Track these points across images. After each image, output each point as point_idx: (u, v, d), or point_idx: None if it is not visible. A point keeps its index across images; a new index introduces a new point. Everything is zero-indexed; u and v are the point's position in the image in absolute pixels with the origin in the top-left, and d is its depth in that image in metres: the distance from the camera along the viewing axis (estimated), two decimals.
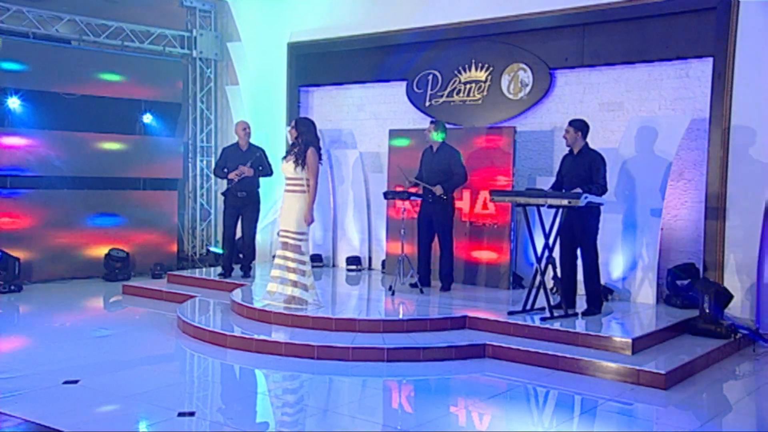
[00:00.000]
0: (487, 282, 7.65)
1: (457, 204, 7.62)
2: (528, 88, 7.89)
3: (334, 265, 9.21)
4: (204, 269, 9.17)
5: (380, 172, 9.03)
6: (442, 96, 8.52)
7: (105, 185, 9.64)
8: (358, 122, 9.44)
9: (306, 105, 9.86)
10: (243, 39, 10.21)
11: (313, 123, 6.39)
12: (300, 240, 6.30)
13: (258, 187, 8.09)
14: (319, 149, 6.31)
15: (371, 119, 9.32)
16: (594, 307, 6.26)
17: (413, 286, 7.30)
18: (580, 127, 6.28)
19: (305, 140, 6.27)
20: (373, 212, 9.04)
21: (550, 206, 6.02)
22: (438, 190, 7.14)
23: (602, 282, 6.57)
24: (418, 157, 7.54)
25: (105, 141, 9.60)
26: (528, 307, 6.23)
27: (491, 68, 8.14)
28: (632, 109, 7.28)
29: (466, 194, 7.80)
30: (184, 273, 8.62)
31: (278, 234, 6.58)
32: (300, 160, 6.22)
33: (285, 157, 6.35)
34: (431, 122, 7.46)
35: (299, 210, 6.24)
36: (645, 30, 7.15)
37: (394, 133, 8.56)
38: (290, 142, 6.44)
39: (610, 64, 7.39)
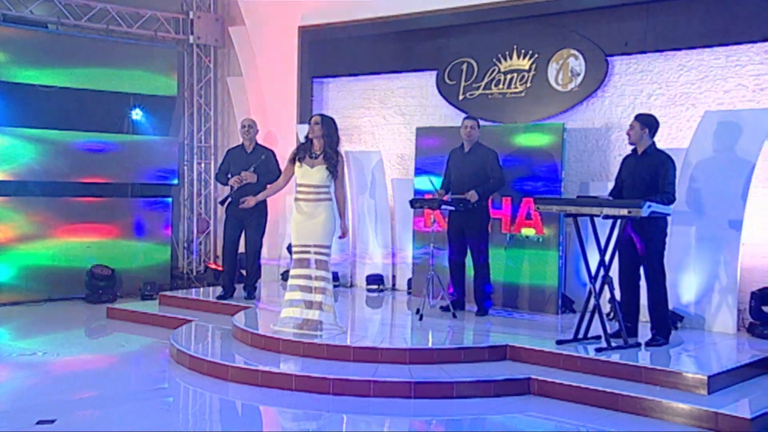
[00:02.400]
0: (532, 305, 7.64)
1: (495, 213, 7.65)
2: (580, 78, 7.90)
3: (352, 285, 9.25)
4: (202, 289, 9.25)
5: (406, 176, 9.09)
6: (478, 88, 8.55)
7: (87, 192, 9.76)
8: (381, 119, 9.50)
9: (320, 99, 9.92)
10: (247, 22, 10.29)
11: (335, 121, 6.50)
12: (327, 254, 6.37)
13: None
14: None
15: (395, 115, 9.38)
16: (660, 337, 6.20)
17: (444, 309, 7.32)
18: (647, 122, 6.23)
19: (332, 141, 6.35)
20: (398, 223, 9.05)
21: (607, 216, 5.98)
22: (472, 196, 7.14)
23: (670, 307, 6.50)
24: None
25: (87, 141, 9.70)
26: (580, 335, 6.20)
27: (536, 55, 8.15)
28: (706, 101, 7.23)
29: (506, 202, 7.80)
30: (179, 294, 8.67)
31: (289, 249, 6.56)
32: (334, 167, 6.30)
33: (301, 159, 6.37)
34: (466, 118, 7.48)
35: (326, 221, 6.32)
36: (723, 6, 7.07)
37: (422, 132, 8.57)
38: (305, 140, 6.49)
39: (678, 48, 7.36)
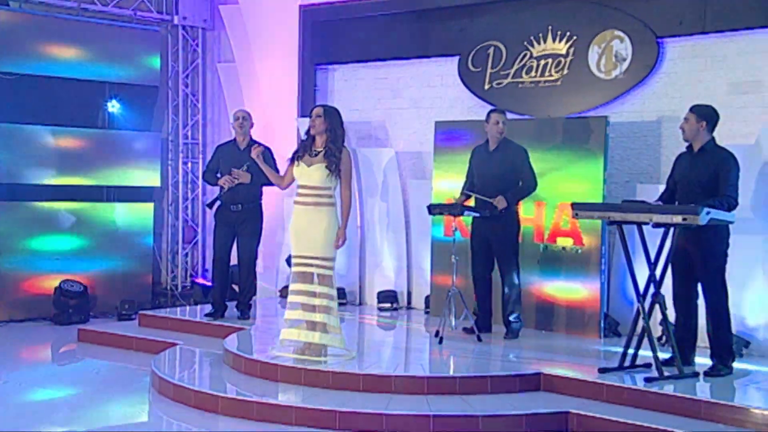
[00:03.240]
0: (569, 327, 7.64)
1: (525, 220, 7.63)
2: (625, 64, 7.89)
3: (361, 303, 9.26)
4: (188, 308, 9.24)
5: (423, 177, 9.08)
6: (506, 76, 8.55)
7: (55, 195, 9.77)
8: (394, 112, 9.50)
9: (324, 88, 9.93)
10: (240, 0, 10.32)
11: (340, 113, 6.51)
12: (331, 267, 6.38)
13: (259, 197, 8.13)
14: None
15: (411, 108, 9.39)
16: (722, 365, 6.17)
17: (468, 331, 7.34)
18: (705, 115, 6.22)
19: (336, 136, 6.36)
20: (414, 232, 9.06)
21: (657, 225, 5.97)
22: (500, 202, 7.15)
23: (733, 330, 6.46)
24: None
25: (56, 137, 9.72)
26: (627, 363, 6.18)
27: (575, 38, 8.16)
28: None
29: (539, 208, 7.79)
30: (162, 313, 8.67)
31: (289, 261, 6.61)
32: (334, 165, 6.29)
33: (300, 157, 6.41)
34: (492, 111, 7.47)
35: (328, 228, 6.32)
36: None
37: (441, 126, 8.58)
38: (305, 137, 6.52)
39: (742, 28, 7.32)
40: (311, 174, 6.31)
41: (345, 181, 6.37)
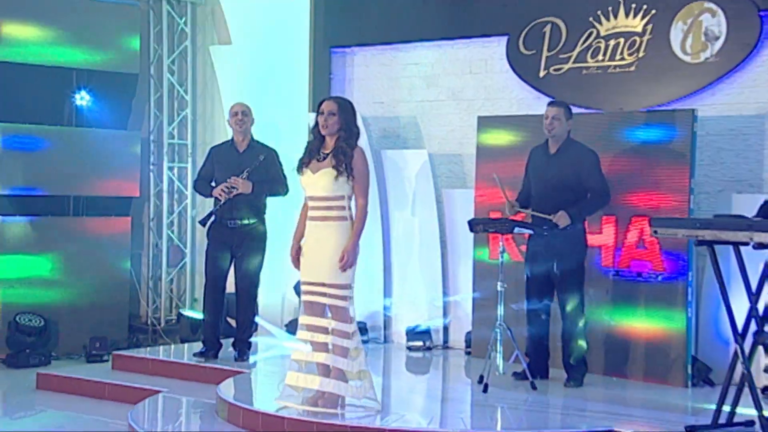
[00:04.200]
0: (648, 373, 7.60)
1: (592, 240, 7.59)
2: (718, 44, 7.88)
3: (386, 341, 9.29)
4: (173, 347, 9.30)
5: (463, 186, 9.12)
6: (567, 60, 8.57)
7: (11, 208, 9.81)
8: (428, 105, 9.50)
9: (341, 76, 9.95)
10: None
11: (354, 108, 6.53)
12: (345, 297, 6.33)
13: (263, 211, 8.16)
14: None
15: (448, 100, 9.40)
16: None
17: (520, 377, 7.33)
18: None
19: (351, 136, 6.36)
20: (452, 253, 9.07)
21: (760, 246, 5.88)
22: (561, 219, 7.13)
23: None
24: (523, 163, 7.64)
25: (11, 136, 9.73)
26: (722, 419, 6.07)
27: (654, 11, 8.17)
28: None
29: (608, 225, 7.78)
30: (141, 353, 8.69)
31: (297, 289, 6.68)
32: (344, 167, 6.26)
33: (306, 164, 6.41)
34: (551, 104, 7.44)
35: (339, 248, 6.27)
36: None
37: (486, 123, 8.57)
38: (312, 138, 6.53)
39: None
40: (317, 182, 6.32)
41: (358, 187, 6.32)
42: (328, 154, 6.32)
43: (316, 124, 6.39)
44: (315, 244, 6.34)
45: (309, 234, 6.41)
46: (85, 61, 10.08)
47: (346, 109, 6.38)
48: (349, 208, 6.37)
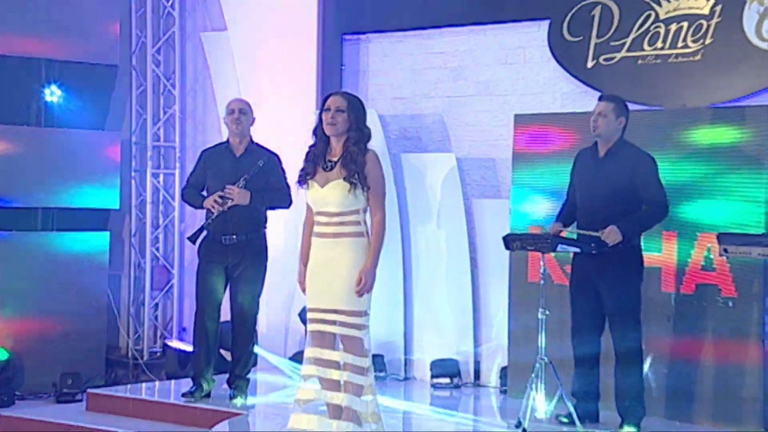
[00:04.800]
0: (717, 416, 7.49)
1: (649, 259, 7.48)
2: None
3: (407, 377, 9.27)
4: (157, 384, 9.25)
5: (497, 196, 9.09)
6: (620, 48, 8.55)
7: None
8: (455, 101, 9.50)
9: (355, 67, 9.98)
10: None
11: (363, 104, 6.56)
12: (360, 326, 6.30)
13: (263, 225, 8.12)
14: None
15: (479, 95, 9.39)
16: None
17: (566, 420, 7.25)
18: None
19: (361, 137, 6.33)
20: (483, 274, 9.05)
21: None
22: (611, 235, 6.99)
23: None
24: (568, 170, 7.59)
25: None
26: None
27: None
28: None
29: (669, 242, 7.72)
30: (119, 391, 8.65)
31: (303, 316, 6.76)
32: (358, 177, 6.23)
33: (311, 174, 6.39)
34: (600, 98, 7.32)
35: (353, 268, 6.25)
36: None
37: (524, 122, 8.54)
38: (314, 142, 6.49)
39: None
40: (326, 195, 6.30)
41: (374, 198, 6.31)
42: (336, 162, 6.30)
43: (319, 123, 6.39)
44: (325, 264, 6.30)
45: (317, 252, 6.38)
46: (55, 50, 10.08)
47: (356, 107, 6.38)
48: (365, 222, 6.37)
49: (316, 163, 6.36)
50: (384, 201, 6.35)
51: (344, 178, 6.21)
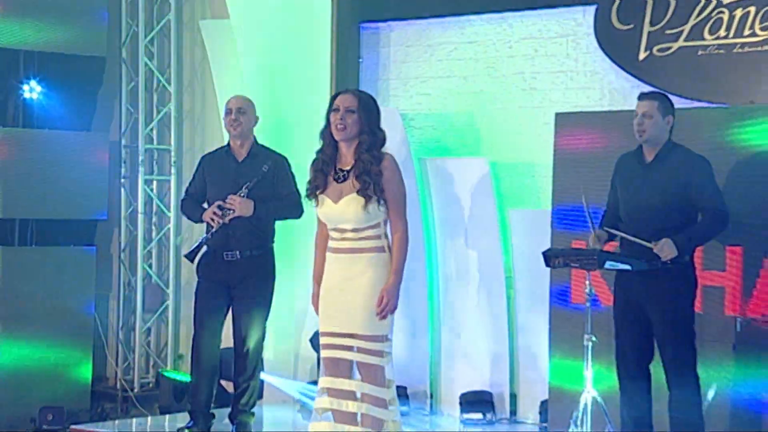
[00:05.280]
0: None
1: (707, 278, 7.54)
2: None
3: (433, 411, 9.31)
4: (150, 419, 9.38)
5: (536, 206, 9.12)
6: (676, 37, 8.53)
7: None
8: (488, 97, 9.55)
9: (374, 60, 10.06)
10: None
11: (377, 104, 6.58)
12: (381, 353, 6.29)
13: (270, 239, 8.15)
14: None
15: (516, 90, 9.45)
16: None
17: None
18: None
19: (375, 141, 6.34)
20: (522, 294, 9.05)
21: None
22: (665, 249, 6.88)
23: None
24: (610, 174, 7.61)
25: None
26: None
27: None
28: None
29: (732, 258, 7.68)
30: (107, 427, 8.79)
31: (315, 342, 6.78)
32: (374, 188, 6.20)
33: (322, 188, 6.41)
34: (641, 96, 7.24)
35: (374, 287, 6.25)
36: None
37: (566, 122, 8.54)
38: (321, 149, 6.52)
39: None
40: (341, 213, 6.32)
41: (394, 209, 6.35)
42: (348, 172, 6.34)
43: (327, 125, 6.39)
44: (342, 283, 6.34)
45: (333, 269, 6.42)
46: (35, 40, 10.12)
47: (368, 106, 6.40)
48: (386, 236, 6.41)
49: (326, 173, 6.40)
50: (405, 211, 6.39)
51: (358, 192, 6.24)
